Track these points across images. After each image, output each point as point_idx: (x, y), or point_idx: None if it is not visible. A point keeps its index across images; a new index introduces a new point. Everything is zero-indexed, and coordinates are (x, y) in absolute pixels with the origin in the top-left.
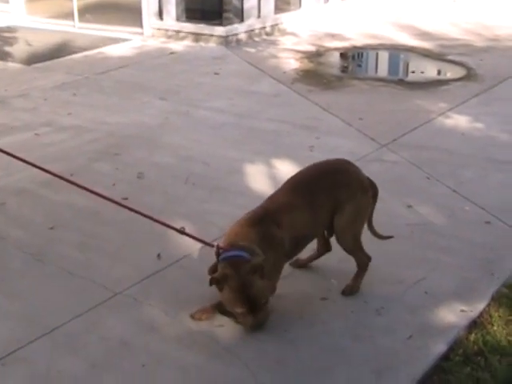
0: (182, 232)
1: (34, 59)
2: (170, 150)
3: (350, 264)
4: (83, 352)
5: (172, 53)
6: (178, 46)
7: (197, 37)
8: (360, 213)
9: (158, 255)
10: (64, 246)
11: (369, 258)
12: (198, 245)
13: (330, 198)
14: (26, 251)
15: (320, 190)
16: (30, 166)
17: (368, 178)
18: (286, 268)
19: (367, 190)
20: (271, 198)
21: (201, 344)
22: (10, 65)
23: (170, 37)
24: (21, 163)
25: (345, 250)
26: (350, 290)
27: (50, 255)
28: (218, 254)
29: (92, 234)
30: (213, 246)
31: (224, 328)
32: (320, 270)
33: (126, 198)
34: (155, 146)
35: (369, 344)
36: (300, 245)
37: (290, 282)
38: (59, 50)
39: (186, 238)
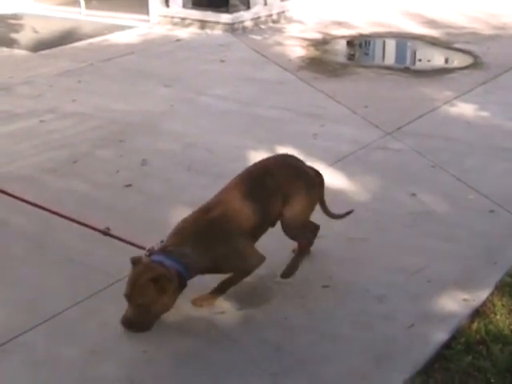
0: (106, 233)
1: (39, 46)
2: (174, 137)
3: (353, 251)
4: (83, 339)
5: (178, 40)
6: (183, 33)
7: (203, 24)
8: (309, 204)
9: (162, 242)
10: (65, 233)
11: (310, 239)
12: None
13: (279, 192)
14: (27, 238)
15: (267, 184)
16: (33, 153)
17: (312, 168)
18: (287, 254)
19: (314, 181)
20: (218, 195)
21: (201, 330)
22: (16, 52)
23: (176, 24)
24: (24, 149)
25: (289, 237)
26: (290, 271)
27: (51, 242)
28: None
29: (93, 221)
30: (144, 248)
31: (224, 315)
32: (321, 257)
33: (130, 185)
34: (159, 133)
35: (369, 332)
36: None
37: None
38: (65, 37)
39: None
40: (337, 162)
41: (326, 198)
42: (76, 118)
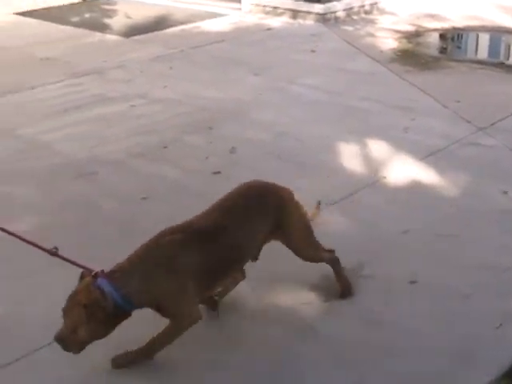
0: (54, 254)
1: (131, 31)
2: (263, 126)
3: (441, 247)
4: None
5: (269, 29)
6: (275, 22)
7: (294, 13)
8: (307, 223)
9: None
10: (153, 217)
11: (333, 251)
12: None
13: (264, 221)
14: (117, 221)
15: (251, 212)
16: (123, 137)
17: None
18: (373, 249)
19: (297, 200)
20: (193, 219)
21: (287, 320)
22: (109, 37)
23: (267, 13)
24: (114, 133)
25: (308, 260)
26: (349, 291)
27: (139, 226)
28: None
29: (182, 207)
30: (92, 271)
31: (310, 305)
32: (408, 252)
33: (219, 172)
34: (248, 121)
35: (454, 330)
36: (221, 272)
37: (378, 264)
38: (157, 23)
39: None
40: (427, 157)
41: (416, 192)
42: (166, 104)
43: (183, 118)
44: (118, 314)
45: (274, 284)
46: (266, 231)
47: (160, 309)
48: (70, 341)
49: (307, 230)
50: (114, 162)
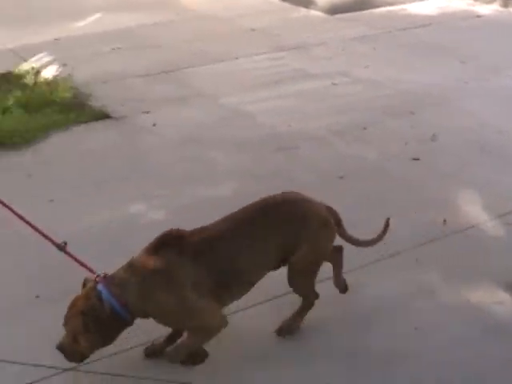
0: (61, 249)
1: (336, 9)
2: (466, 115)
3: None
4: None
5: (478, 16)
6: (485, 9)
7: (506, 1)
8: (320, 252)
9: (444, 221)
10: (349, 198)
11: (317, 296)
12: (486, 216)
13: (279, 236)
14: (313, 196)
15: (264, 224)
16: (323, 114)
17: (327, 208)
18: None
19: (327, 224)
20: (202, 227)
21: (476, 317)
22: (313, 13)
23: None
24: (314, 110)
25: (295, 291)
26: (288, 329)
27: (335, 204)
28: (95, 282)
29: (377, 191)
30: (94, 273)
31: (502, 305)
32: None
33: (418, 159)
34: (451, 109)
35: None
36: (231, 285)
37: None
38: (362, 3)
39: (474, 208)
40: None
41: None
42: (367, 85)
43: (384, 100)
44: (116, 322)
45: (469, 279)
46: (277, 247)
47: (165, 322)
48: (72, 350)
49: (316, 261)
50: (314, 138)
